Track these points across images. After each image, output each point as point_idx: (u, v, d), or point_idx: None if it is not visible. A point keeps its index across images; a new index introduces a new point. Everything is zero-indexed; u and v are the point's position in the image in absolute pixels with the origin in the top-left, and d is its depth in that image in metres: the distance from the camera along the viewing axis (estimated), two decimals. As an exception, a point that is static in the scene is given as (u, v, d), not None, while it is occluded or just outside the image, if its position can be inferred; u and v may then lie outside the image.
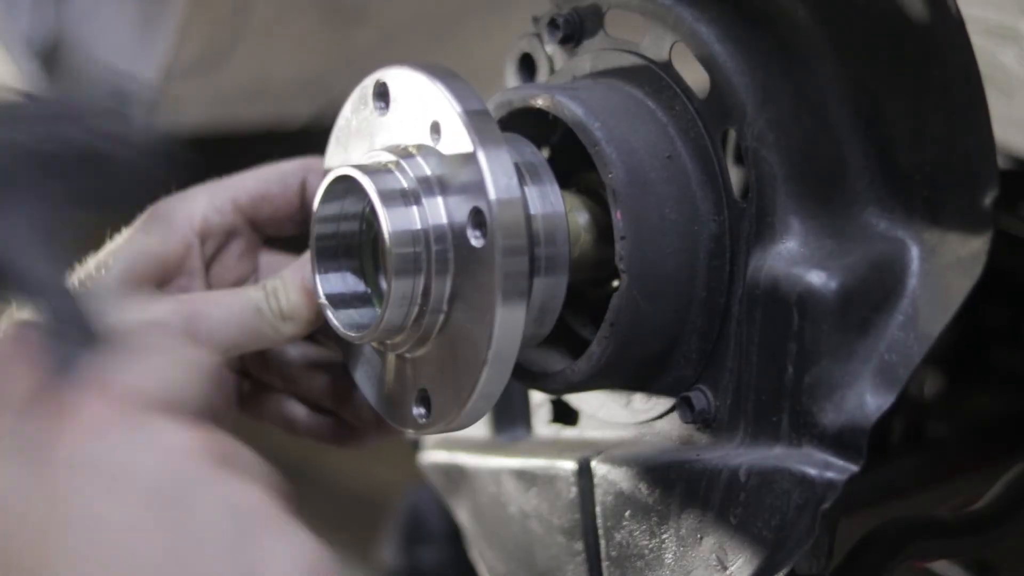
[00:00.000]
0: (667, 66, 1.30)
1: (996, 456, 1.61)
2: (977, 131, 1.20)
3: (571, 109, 1.28)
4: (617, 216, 1.26)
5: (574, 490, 1.36)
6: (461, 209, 1.20)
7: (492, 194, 1.18)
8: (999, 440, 1.67)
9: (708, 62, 1.27)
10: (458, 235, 1.21)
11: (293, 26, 2.31)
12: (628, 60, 1.33)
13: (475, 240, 1.20)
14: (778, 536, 1.22)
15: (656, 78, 1.31)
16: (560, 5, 1.38)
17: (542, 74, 1.40)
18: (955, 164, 1.21)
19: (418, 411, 1.26)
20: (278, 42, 2.33)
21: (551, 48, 1.39)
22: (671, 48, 1.30)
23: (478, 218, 1.19)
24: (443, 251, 1.22)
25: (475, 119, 1.20)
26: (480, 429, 1.48)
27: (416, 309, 1.23)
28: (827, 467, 1.20)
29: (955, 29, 1.20)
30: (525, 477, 1.41)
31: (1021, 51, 1.46)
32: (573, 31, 1.37)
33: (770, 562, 1.23)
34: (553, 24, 1.38)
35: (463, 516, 1.50)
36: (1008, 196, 1.25)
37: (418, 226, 1.22)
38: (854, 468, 1.20)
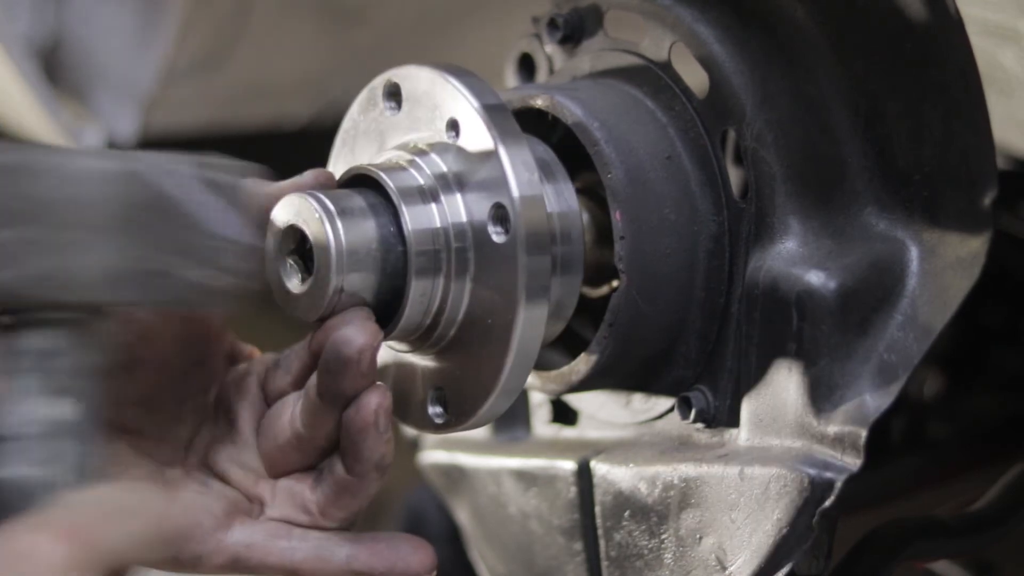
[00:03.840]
0: (667, 66, 1.30)
1: (996, 456, 1.61)
2: (976, 131, 1.20)
3: (571, 109, 1.28)
4: (616, 216, 1.26)
5: (573, 490, 1.36)
6: (481, 206, 1.19)
7: (515, 190, 1.17)
8: (999, 440, 1.67)
9: (707, 62, 1.27)
10: (478, 232, 1.19)
11: (293, 26, 2.31)
12: (628, 60, 1.33)
13: (496, 236, 1.18)
14: (777, 536, 1.22)
15: (655, 78, 1.31)
16: (560, 5, 1.38)
17: (542, 74, 1.40)
18: (954, 164, 1.21)
19: (434, 410, 1.24)
20: (278, 42, 2.33)
21: (551, 48, 1.39)
22: (671, 48, 1.30)
23: (500, 213, 1.18)
24: (463, 249, 1.20)
25: (495, 115, 1.19)
26: (480, 430, 1.48)
27: (435, 308, 1.21)
28: (826, 467, 1.20)
29: (954, 29, 1.20)
30: (525, 477, 1.40)
31: (1021, 51, 1.46)
32: (573, 31, 1.37)
33: (769, 562, 1.22)
34: (553, 24, 1.38)
35: (463, 516, 1.50)
36: (1008, 196, 1.25)
37: (437, 224, 1.20)
38: (853, 468, 1.20)
